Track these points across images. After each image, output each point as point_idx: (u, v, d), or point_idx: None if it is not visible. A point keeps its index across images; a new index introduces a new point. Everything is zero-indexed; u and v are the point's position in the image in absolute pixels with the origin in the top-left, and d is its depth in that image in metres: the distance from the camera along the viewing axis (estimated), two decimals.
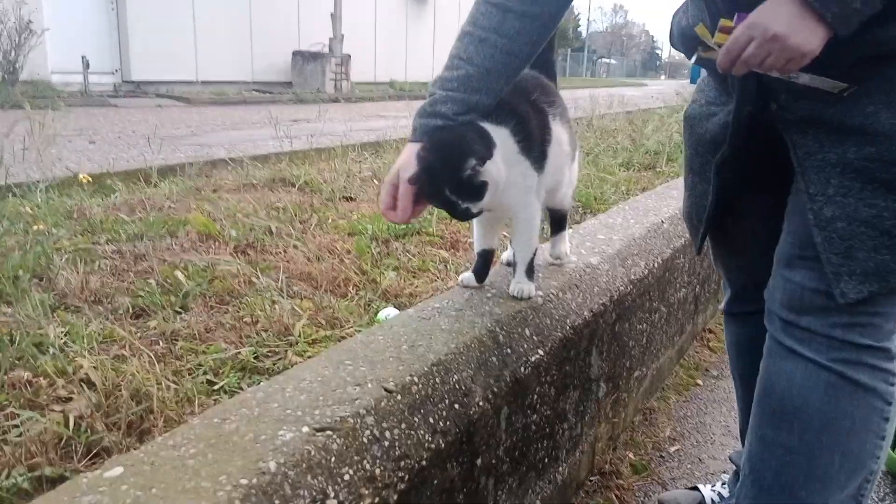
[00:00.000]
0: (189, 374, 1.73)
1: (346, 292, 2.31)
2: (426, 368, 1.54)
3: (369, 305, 2.21)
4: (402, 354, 1.60)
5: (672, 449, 2.69)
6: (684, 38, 1.57)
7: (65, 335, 1.87)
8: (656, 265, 2.78)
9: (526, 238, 1.89)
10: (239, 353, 1.80)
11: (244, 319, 2.03)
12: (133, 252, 2.58)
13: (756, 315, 1.83)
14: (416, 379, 1.49)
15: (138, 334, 1.93)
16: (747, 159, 1.59)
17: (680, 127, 3.84)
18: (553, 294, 2.11)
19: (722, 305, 2.06)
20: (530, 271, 1.95)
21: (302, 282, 2.34)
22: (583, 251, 2.56)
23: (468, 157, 1.51)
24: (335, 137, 6.31)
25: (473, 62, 1.52)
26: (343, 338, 1.99)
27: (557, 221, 2.24)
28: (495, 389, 1.67)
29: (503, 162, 1.66)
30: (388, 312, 1.99)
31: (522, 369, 1.80)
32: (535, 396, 1.89)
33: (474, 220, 1.93)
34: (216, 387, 1.69)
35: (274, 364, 1.80)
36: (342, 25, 18.14)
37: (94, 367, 1.63)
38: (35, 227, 2.80)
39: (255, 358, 1.82)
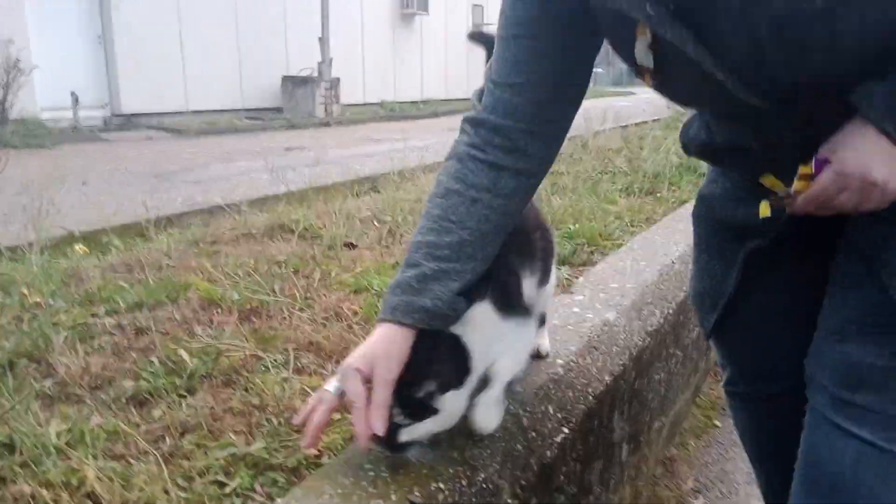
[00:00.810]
0: (199, 477, 1.64)
1: None
2: (451, 470, 1.46)
3: None
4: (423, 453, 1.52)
5: (696, 503, 2.61)
6: (706, 150, 1.48)
7: (67, 433, 1.78)
8: (671, 312, 2.71)
9: (513, 362, 1.59)
10: (249, 449, 1.71)
11: (253, 403, 1.95)
12: (133, 324, 2.50)
13: (768, 399, 1.75)
14: (441, 486, 1.41)
15: (143, 427, 1.84)
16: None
17: (677, 148, 3.76)
18: (573, 361, 2.03)
19: (722, 383, 1.94)
20: (505, 391, 1.58)
21: (310, 353, 2.26)
22: (597, 304, 2.49)
23: (427, 377, 1.30)
24: (331, 166, 6.24)
25: (466, 225, 1.32)
26: None
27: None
28: (523, 482, 1.59)
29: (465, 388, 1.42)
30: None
31: (549, 453, 1.72)
32: (562, 477, 1.81)
33: None
34: (227, 489, 1.61)
35: (286, 459, 1.71)
36: (330, 49, 18.15)
37: (99, 479, 1.55)
38: (31, 301, 2.71)
39: (267, 452, 1.74)
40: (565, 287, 2.78)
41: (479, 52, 1.83)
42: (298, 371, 2.18)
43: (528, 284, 1.61)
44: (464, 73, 25.16)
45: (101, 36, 15.21)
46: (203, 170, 8.66)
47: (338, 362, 2.24)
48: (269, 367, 2.18)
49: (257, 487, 1.64)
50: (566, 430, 1.80)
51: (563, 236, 3.73)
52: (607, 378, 2.09)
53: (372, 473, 1.43)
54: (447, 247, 1.31)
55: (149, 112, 15.86)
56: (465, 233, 1.31)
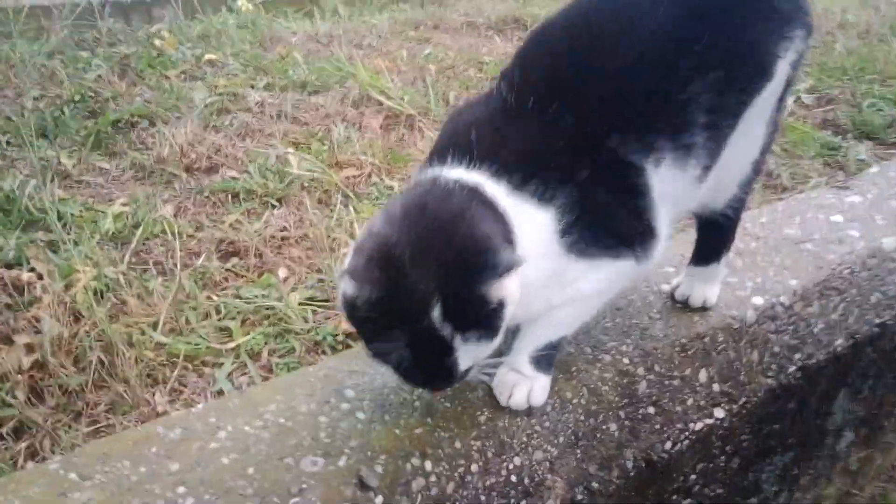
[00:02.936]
0: (216, 317, 1.29)
1: None
2: (477, 443, 0.91)
3: None
4: (441, 403, 0.97)
5: None
6: None
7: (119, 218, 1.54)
8: None
9: (564, 319, 0.98)
10: (286, 301, 1.31)
11: (334, 237, 1.52)
12: (277, 105, 2.15)
13: None
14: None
15: (201, 233, 1.53)
16: None
17: None
18: (782, 305, 1.27)
19: None
20: (545, 358, 0.99)
21: None
22: (877, 218, 1.58)
23: (494, 266, 0.79)
24: None
25: None
26: None
27: (705, 238, 1.17)
28: (596, 485, 0.99)
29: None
30: None
31: (671, 446, 1.07)
32: (694, 476, 1.16)
33: None
34: (232, 344, 1.23)
35: (320, 328, 1.28)
36: None
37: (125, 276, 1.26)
38: (205, 58, 2.49)
39: (302, 306, 1.32)
40: (836, 169, 1.85)
41: None
42: None
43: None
44: None
45: None
46: None
47: None
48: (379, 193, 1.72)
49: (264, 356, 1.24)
50: (716, 417, 1.12)
51: (889, 101, 2.59)
52: (840, 341, 1.30)
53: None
54: None
55: None
56: None
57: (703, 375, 1.14)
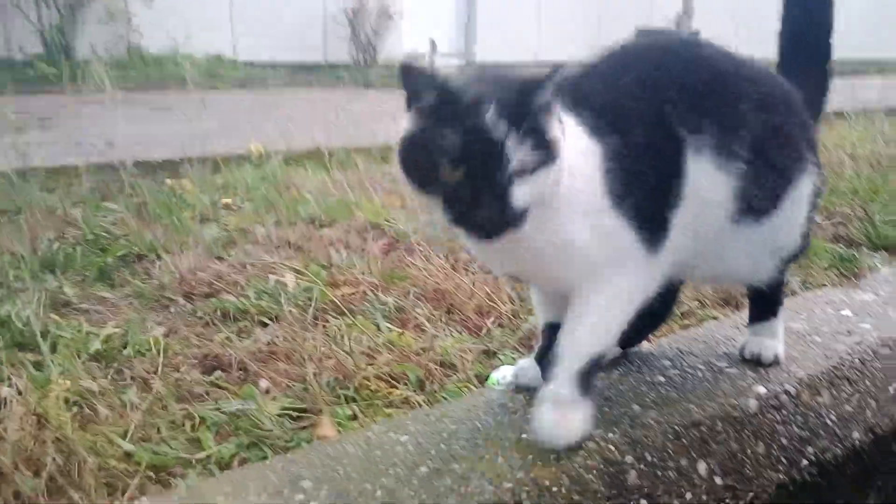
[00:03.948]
0: (189, 427, 1.24)
1: (482, 326, 1.62)
2: None
3: (495, 355, 1.50)
4: (404, 490, 0.89)
5: None
6: None
7: (120, 336, 1.53)
8: None
9: (593, 325, 0.99)
10: (262, 409, 1.26)
11: (322, 350, 1.48)
12: (284, 238, 2.20)
13: None
14: None
15: (193, 349, 1.50)
16: None
17: None
18: (790, 394, 1.18)
19: None
20: (587, 379, 0.99)
21: (431, 303, 1.71)
22: (891, 312, 1.50)
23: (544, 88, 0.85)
24: None
25: None
26: (433, 401, 1.33)
27: (757, 300, 1.26)
28: None
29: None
30: (506, 374, 1.26)
31: None
32: None
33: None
34: (202, 454, 1.17)
35: (294, 435, 1.22)
36: None
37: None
38: (222, 201, 2.61)
39: (279, 416, 1.26)
40: (850, 277, 1.79)
41: None
42: (400, 323, 1.66)
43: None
44: None
45: None
46: None
47: (459, 321, 1.67)
48: (372, 309, 1.70)
49: (237, 463, 1.17)
50: None
51: None
52: (857, 435, 1.19)
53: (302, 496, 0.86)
54: None
55: (499, 61, 16.24)
56: None
57: (702, 467, 1.03)
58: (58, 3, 8.29)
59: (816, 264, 2.14)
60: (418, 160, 0.87)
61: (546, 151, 0.85)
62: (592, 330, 0.99)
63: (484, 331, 1.62)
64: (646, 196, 0.96)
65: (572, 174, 0.90)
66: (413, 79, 0.87)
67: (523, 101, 0.85)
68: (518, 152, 0.83)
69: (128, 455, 1.17)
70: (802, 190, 1.09)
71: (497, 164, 0.83)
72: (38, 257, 1.98)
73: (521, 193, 0.84)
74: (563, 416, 0.97)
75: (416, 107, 0.88)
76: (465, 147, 0.83)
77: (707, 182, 0.99)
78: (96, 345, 1.51)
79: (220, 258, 2.04)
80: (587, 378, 0.99)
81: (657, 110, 0.98)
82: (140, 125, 4.85)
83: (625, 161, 0.94)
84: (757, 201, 1.04)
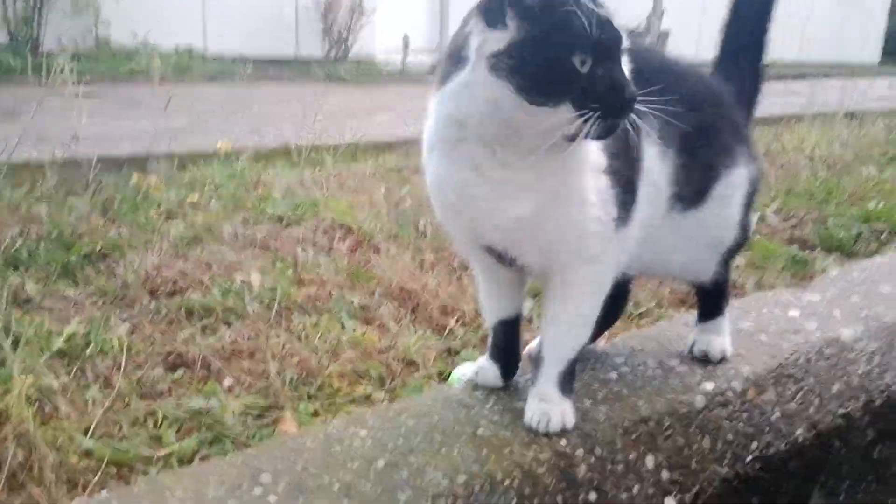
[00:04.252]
0: (151, 424, 1.25)
1: (446, 325, 1.65)
2: None
3: (457, 353, 1.54)
4: (361, 483, 0.92)
5: None
6: None
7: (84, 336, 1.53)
8: None
9: (572, 320, 1.06)
10: (225, 406, 1.28)
11: (286, 347, 1.50)
12: (249, 236, 2.21)
13: None
14: None
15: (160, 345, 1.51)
16: None
17: None
18: (734, 391, 1.23)
19: None
20: (568, 380, 1.07)
21: (396, 301, 1.74)
22: (836, 313, 1.56)
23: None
24: None
25: None
26: (394, 398, 1.36)
27: (701, 299, 1.31)
28: None
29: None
30: (466, 372, 1.29)
31: None
32: None
33: (478, 270, 1.15)
34: (164, 451, 1.18)
35: (257, 432, 1.24)
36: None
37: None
38: (191, 199, 2.60)
39: (242, 413, 1.28)
40: (800, 280, 1.86)
41: None
42: (366, 321, 1.69)
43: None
44: None
45: None
46: None
47: (424, 320, 1.70)
48: (338, 307, 1.72)
49: (198, 459, 1.19)
50: None
51: (855, 217, 2.66)
52: (800, 431, 1.24)
53: (259, 490, 0.89)
54: None
55: None
56: None
57: (650, 461, 1.08)
58: None
59: (772, 266, 2.21)
60: (543, 61, 0.86)
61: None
62: (569, 330, 1.06)
63: (447, 329, 1.65)
64: (625, 163, 1.01)
65: None
66: None
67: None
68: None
69: (89, 452, 1.18)
70: (733, 184, 1.14)
71: (619, 49, 0.88)
72: (0, 254, 1.97)
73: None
74: (549, 410, 1.05)
75: (518, 11, 0.86)
76: (601, 31, 0.86)
77: (653, 164, 1.05)
78: (59, 343, 1.51)
79: (185, 257, 2.04)
80: (568, 378, 1.07)
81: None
82: (107, 119, 4.80)
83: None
84: (686, 192, 1.10)
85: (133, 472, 1.16)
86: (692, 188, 1.11)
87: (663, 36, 17.97)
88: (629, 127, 0.94)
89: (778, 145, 4.03)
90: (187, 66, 8.46)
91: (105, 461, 1.14)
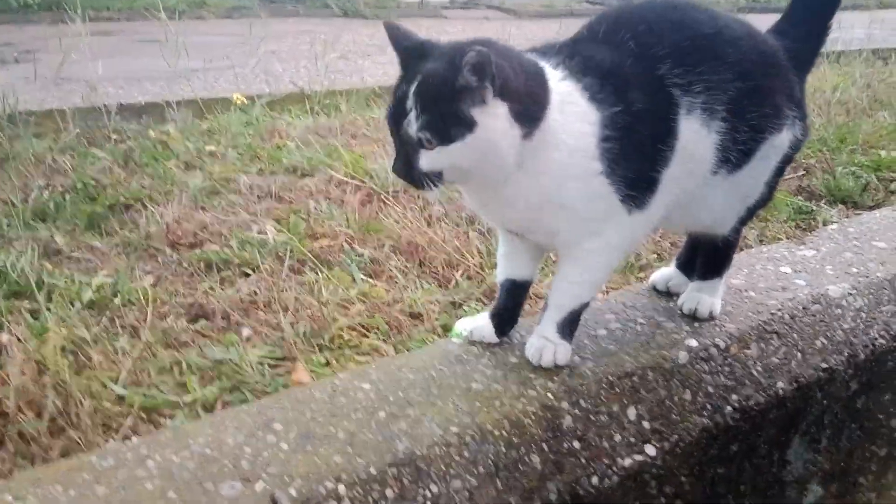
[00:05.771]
0: (177, 372, 1.36)
1: (451, 278, 1.73)
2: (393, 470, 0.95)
3: (460, 306, 1.62)
4: (363, 432, 1.02)
5: None
6: None
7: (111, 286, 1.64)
8: None
9: (579, 278, 1.16)
10: (243, 356, 1.38)
11: (300, 300, 1.59)
12: (266, 188, 2.28)
13: None
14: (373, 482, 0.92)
15: (176, 298, 1.61)
16: None
17: None
18: (719, 347, 1.30)
19: None
20: (568, 326, 1.19)
21: (404, 255, 1.82)
22: (828, 269, 1.62)
23: (465, 65, 0.94)
24: None
25: None
26: (400, 350, 1.45)
27: (708, 258, 1.36)
28: None
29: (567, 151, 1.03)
30: (467, 325, 1.37)
31: (598, 481, 1.09)
32: None
33: (501, 233, 1.24)
34: (189, 398, 1.29)
35: (272, 381, 1.34)
36: None
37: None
38: (207, 149, 2.67)
39: (259, 363, 1.39)
40: (796, 235, 1.90)
41: None
42: (375, 274, 1.77)
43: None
44: None
45: None
46: None
47: (429, 273, 1.78)
48: (349, 261, 1.81)
49: (220, 405, 1.30)
50: (647, 454, 1.14)
51: (864, 166, 2.66)
52: (781, 384, 1.32)
53: (272, 436, 0.99)
54: None
55: None
56: None
57: (631, 412, 1.16)
58: None
59: (775, 217, 2.25)
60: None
61: (451, 128, 0.96)
62: (574, 288, 1.17)
63: (452, 283, 1.73)
64: (640, 161, 1.06)
65: (567, 138, 1.02)
66: (394, 36, 1.03)
67: (443, 79, 0.96)
68: (417, 128, 0.97)
69: (121, 398, 1.29)
70: (777, 143, 1.17)
71: (407, 133, 0.98)
72: (29, 206, 2.07)
73: (425, 161, 0.98)
74: (544, 346, 1.18)
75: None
76: (392, 111, 1.00)
77: (695, 139, 1.09)
78: (89, 294, 1.61)
79: (204, 208, 2.13)
80: (568, 325, 1.19)
81: (653, 73, 1.07)
82: (124, 59, 4.84)
83: (623, 130, 1.03)
84: (731, 156, 1.14)
85: (161, 416, 1.27)
86: (738, 151, 1.14)
87: None
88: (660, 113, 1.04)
89: None
90: (203, 2, 8.38)
91: (136, 407, 1.25)
